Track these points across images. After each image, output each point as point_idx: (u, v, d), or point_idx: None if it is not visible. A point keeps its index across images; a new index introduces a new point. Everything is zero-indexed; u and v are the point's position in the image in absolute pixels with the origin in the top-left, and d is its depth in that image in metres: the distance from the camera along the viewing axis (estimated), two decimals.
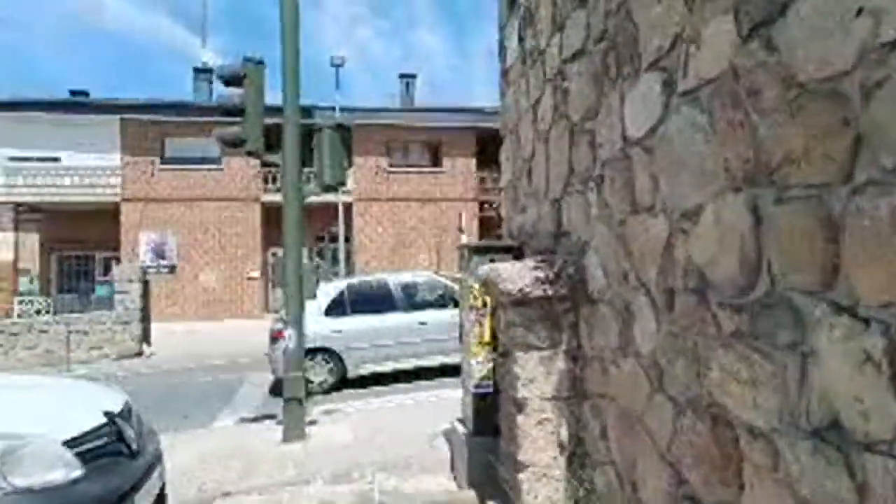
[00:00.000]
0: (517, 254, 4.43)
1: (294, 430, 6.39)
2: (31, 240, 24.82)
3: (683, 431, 2.38)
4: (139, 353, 16.37)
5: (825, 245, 1.63)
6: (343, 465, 5.38)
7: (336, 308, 10.43)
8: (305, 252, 21.98)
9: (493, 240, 16.53)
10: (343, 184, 7.21)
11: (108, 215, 24.34)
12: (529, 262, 3.63)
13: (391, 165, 26.92)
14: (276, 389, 10.39)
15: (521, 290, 3.44)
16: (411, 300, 10.73)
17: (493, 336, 4.34)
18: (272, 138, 6.70)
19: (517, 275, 3.49)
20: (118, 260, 22.30)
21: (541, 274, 3.46)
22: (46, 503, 2.77)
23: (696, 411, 2.28)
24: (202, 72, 26.61)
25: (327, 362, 10.06)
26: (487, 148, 25.59)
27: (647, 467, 2.72)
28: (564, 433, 3.46)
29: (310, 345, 9.92)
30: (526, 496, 3.45)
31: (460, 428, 4.75)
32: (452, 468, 4.96)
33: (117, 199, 24.31)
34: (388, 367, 10.23)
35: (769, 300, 1.86)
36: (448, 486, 4.73)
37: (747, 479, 1.98)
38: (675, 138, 2.39)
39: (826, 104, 1.62)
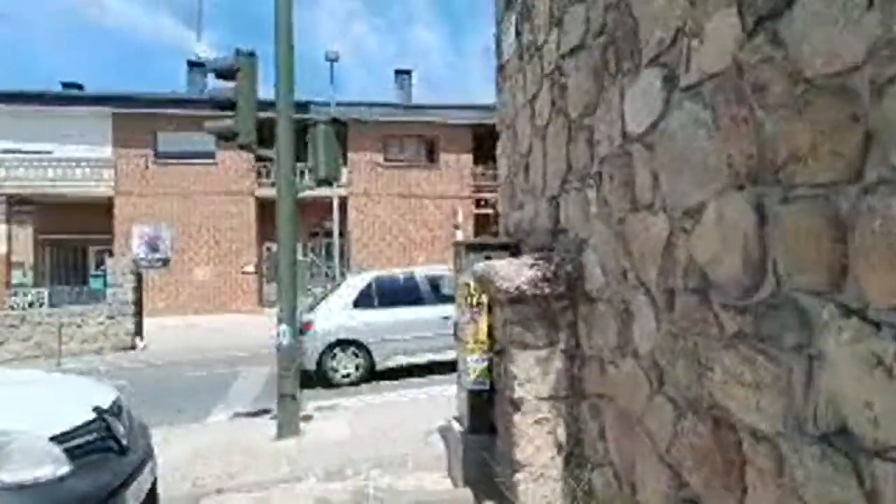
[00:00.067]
0: (514, 251, 4.38)
1: (288, 426, 6.35)
2: (25, 232, 24.67)
3: (684, 433, 2.34)
4: (132, 347, 16.30)
5: (833, 245, 1.59)
6: (337, 461, 5.33)
7: (364, 300, 10.47)
8: (300, 247, 21.96)
9: (488, 237, 16.50)
10: (337, 179, 7.16)
11: (101, 208, 24.23)
12: (526, 260, 3.59)
13: (386, 161, 26.83)
14: (301, 381, 10.45)
15: (517, 288, 3.39)
16: (438, 293, 10.71)
17: (489, 334, 4.29)
18: (265, 132, 6.63)
19: (514, 272, 3.44)
20: (111, 253, 22.17)
21: (538, 272, 3.41)
22: (33, 500, 2.71)
23: (698, 413, 2.24)
24: (196, 65, 26.41)
25: (356, 355, 10.12)
26: (484, 144, 25.54)
27: (646, 469, 2.68)
28: (562, 433, 3.42)
29: (339, 337, 10.08)
30: (522, 496, 3.41)
31: (456, 425, 4.71)
32: (448, 466, 4.92)
33: (111, 192, 24.19)
34: (417, 359, 10.24)
35: (774, 301, 1.81)
36: (443, 484, 4.69)
37: (750, 483, 1.94)
38: (676, 134, 2.35)
39: (834, 100, 1.57)
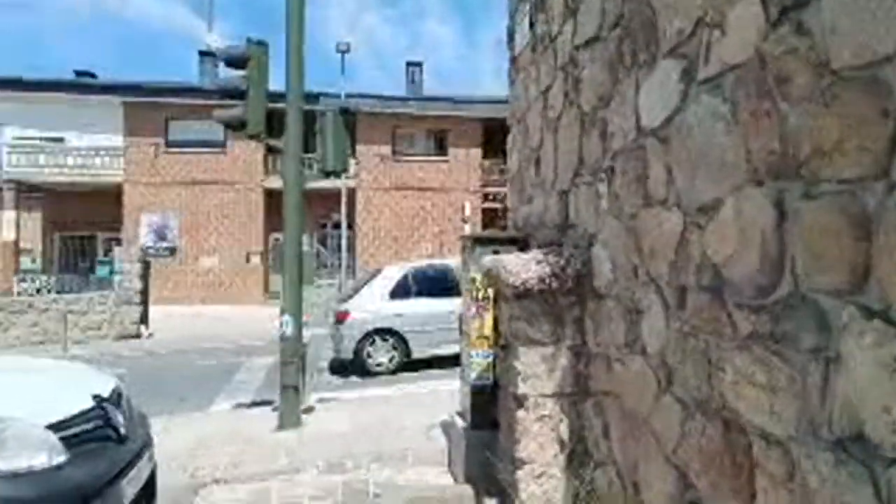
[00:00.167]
0: (522, 245, 4.32)
1: (290, 418, 6.31)
2: (34, 219, 24.75)
3: (692, 435, 2.28)
4: (137, 335, 16.34)
5: (856, 244, 1.53)
6: (337, 454, 5.29)
7: (400, 291, 10.62)
8: (307, 238, 21.92)
9: (496, 231, 16.42)
10: (345, 170, 7.10)
11: (110, 196, 24.26)
12: (534, 255, 3.53)
13: (395, 154, 26.75)
14: (336, 369, 10.68)
15: (524, 283, 3.34)
16: None
17: (495, 329, 4.24)
18: (275, 123, 6.58)
19: (521, 267, 3.38)
20: (119, 241, 22.22)
21: (546, 267, 3.35)
22: (28, 488, 2.67)
23: (707, 414, 2.18)
24: (207, 55, 26.37)
25: (393, 345, 10.31)
26: (494, 138, 25.43)
27: (650, 469, 2.63)
28: (565, 431, 3.36)
29: (376, 326, 10.22)
30: (524, 494, 3.36)
31: (458, 421, 4.65)
32: (449, 461, 4.87)
33: (120, 180, 24.22)
34: (452, 349, 10.25)
35: (792, 301, 1.75)
36: (444, 479, 4.64)
37: (760, 487, 1.88)
38: (693, 128, 2.28)
39: (863, 93, 1.51)
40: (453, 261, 11.70)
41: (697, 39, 2.26)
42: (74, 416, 3.00)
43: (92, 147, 24.07)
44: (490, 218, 26.16)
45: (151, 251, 22.94)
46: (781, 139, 1.80)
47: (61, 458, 2.79)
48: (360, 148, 25.66)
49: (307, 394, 6.98)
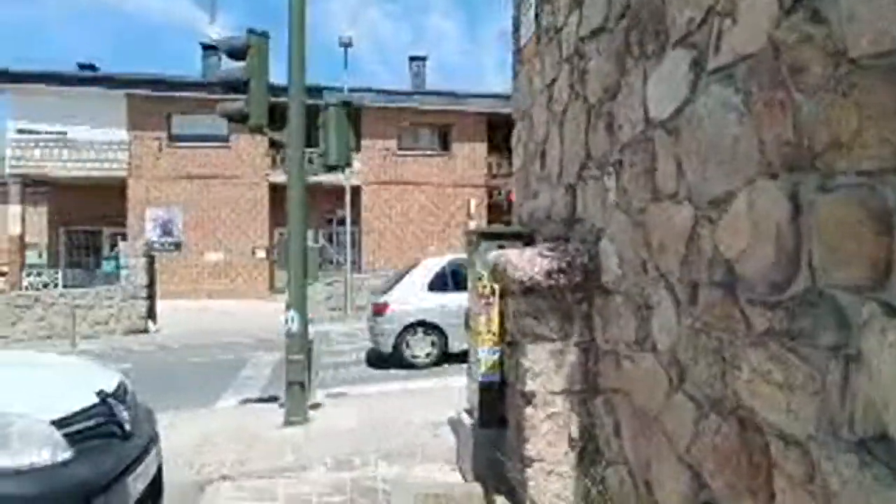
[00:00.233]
0: (527, 240, 4.27)
1: (296, 414, 6.29)
2: (39, 213, 24.80)
3: (706, 433, 2.23)
4: (144, 330, 16.37)
5: (876, 238, 1.47)
6: (345, 451, 5.27)
7: (438, 283, 10.58)
8: (311, 233, 21.92)
9: (502, 226, 16.37)
10: (349, 164, 7.05)
11: (115, 190, 24.27)
12: (541, 250, 3.48)
13: (400, 149, 26.68)
14: (373, 362, 10.76)
15: (531, 279, 3.29)
16: None
17: (501, 325, 4.19)
18: (278, 117, 6.54)
19: (527, 262, 3.33)
20: (125, 236, 22.25)
21: (553, 262, 3.31)
22: (32, 485, 2.65)
23: (721, 413, 2.13)
24: (211, 48, 26.31)
25: (431, 339, 10.31)
26: (498, 134, 25.38)
27: (663, 469, 2.58)
28: (575, 428, 3.32)
29: (416, 318, 10.25)
30: (533, 492, 3.32)
31: (466, 418, 4.62)
32: (458, 459, 4.84)
33: (124, 174, 24.21)
34: None
35: (809, 297, 1.70)
36: (452, 477, 4.61)
37: (778, 489, 1.83)
38: (703, 120, 2.22)
39: (883, 82, 1.45)
40: None
41: (708, 28, 2.20)
42: (79, 413, 2.97)
43: (96, 141, 24.04)
44: (495, 214, 26.10)
45: (157, 246, 22.96)
46: (796, 130, 1.74)
47: (66, 455, 2.77)
48: (364, 143, 25.59)
49: (314, 390, 6.95)
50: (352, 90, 22.79)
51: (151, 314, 17.01)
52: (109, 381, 3.45)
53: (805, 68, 1.70)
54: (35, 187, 24.27)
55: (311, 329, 6.83)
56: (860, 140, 1.51)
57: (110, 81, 24.45)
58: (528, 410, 3.33)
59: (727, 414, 2.10)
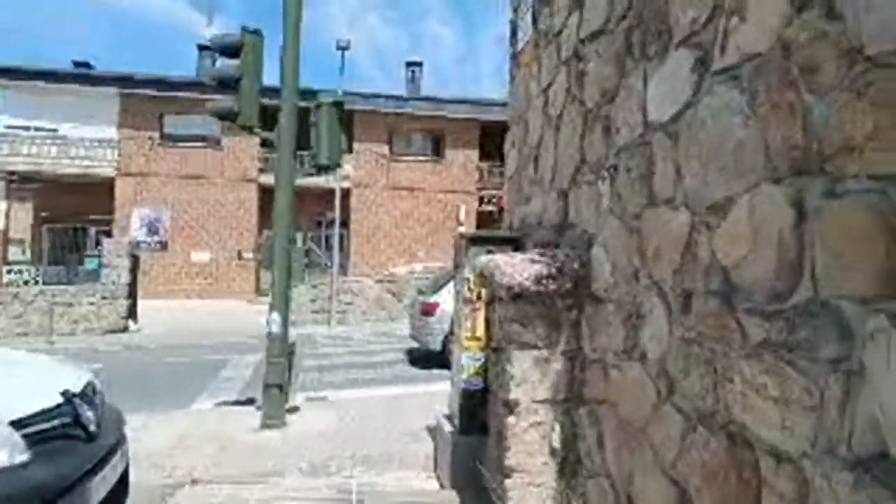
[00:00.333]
0: (517, 246, 4.18)
1: (273, 418, 6.14)
2: (25, 210, 24.46)
3: (693, 448, 2.14)
4: (125, 329, 16.12)
5: (887, 247, 1.39)
6: (321, 456, 5.13)
7: None
8: (300, 237, 21.73)
9: (491, 231, 16.33)
10: (339, 165, 6.94)
11: (103, 189, 24.00)
12: (531, 255, 3.39)
13: (392, 154, 26.61)
14: (416, 361, 10.68)
15: (519, 284, 3.20)
16: None
17: (487, 330, 4.09)
18: (271, 119, 6.45)
19: (517, 268, 3.24)
20: (111, 234, 21.97)
21: (542, 268, 3.21)
22: None
23: (710, 427, 2.04)
24: (206, 49, 26.16)
25: None
26: (491, 141, 25.33)
27: (647, 482, 2.49)
28: (557, 439, 3.22)
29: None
30: (512, 503, 3.22)
31: (446, 425, 4.50)
32: (435, 466, 4.72)
33: (113, 173, 23.96)
34: None
35: (810, 308, 1.62)
36: (430, 485, 4.49)
37: None
38: (706, 122, 2.14)
39: None
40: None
41: (713, 28, 2.13)
42: (40, 413, 2.83)
43: (86, 138, 23.79)
44: (486, 222, 26.05)
45: (143, 245, 22.73)
46: (805, 133, 1.66)
47: (23, 457, 2.63)
48: (357, 146, 25.51)
49: (293, 393, 6.81)
50: (347, 94, 22.72)
51: (132, 313, 16.77)
52: (77, 381, 3.31)
53: (817, 68, 1.62)
54: (21, 183, 23.93)
55: (293, 332, 6.70)
56: (875, 142, 1.43)
57: (103, 80, 24.25)
58: (510, 419, 3.23)
59: (717, 428, 2.01)
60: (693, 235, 2.22)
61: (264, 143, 21.04)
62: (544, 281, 3.19)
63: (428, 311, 10.59)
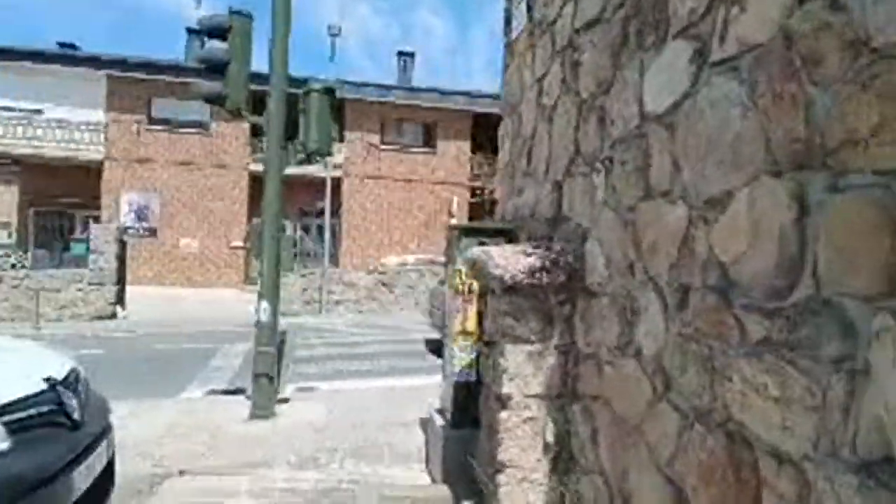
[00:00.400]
0: (510, 237, 4.13)
1: (263, 408, 6.09)
2: (10, 193, 24.20)
3: (690, 446, 2.11)
4: (113, 315, 16.01)
5: (892, 243, 1.35)
6: (311, 448, 5.09)
7: None
8: (290, 225, 21.60)
9: (484, 222, 16.28)
10: (329, 153, 6.85)
11: (91, 173, 23.79)
12: (524, 248, 3.34)
13: (383, 143, 26.48)
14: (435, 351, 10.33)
15: (512, 277, 3.15)
16: None
17: (479, 323, 4.05)
18: (261, 106, 6.38)
19: (510, 260, 3.19)
20: (98, 219, 21.77)
21: (536, 261, 3.17)
22: None
23: (708, 426, 2.01)
24: (195, 33, 25.87)
25: None
26: (483, 133, 25.28)
27: (642, 480, 2.45)
28: (550, 435, 3.18)
29: None
30: (504, 499, 3.18)
31: (437, 418, 4.47)
32: (427, 460, 4.69)
33: (100, 156, 23.72)
34: None
35: (812, 305, 1.58)
36: (421, 478, 4.46)
37: None
38: (704, 114, 2.10)
39: None
40: None
41: (712, 18, 2.08)
42: (21, 400, 2.77)
43: (72, 121, 23.52)
44: (478, 213, 26.00)
45: (131, 231, 22.55)
46: (807, 125, 1.62)
47: (2, 445, 2.57)
48: (347, 135, 25.37)
49: (283, 383, 6.76)
50: (337, 81, 22.55)
51: (121, 299, 16.64)
52: (60, 368, 3.25)
53: (821, 59, 1.58)
54: (7, 166, 23.66)
55: (284, 321, 6.65)
56: (880, 136, 1.39)
57: (90, 61, 23.97)
58: (503, 414, 3.19)
59: (714, 427, 1.98)
60: (690, 229, 2.17)
61: (255, 132, 20.90)
62: (538, 274, 3.14)
63: None
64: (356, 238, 25.81)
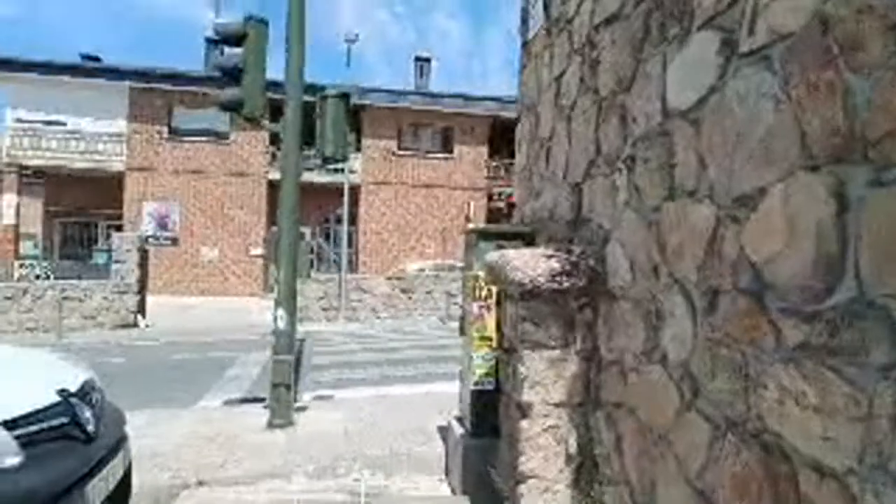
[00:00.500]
0: (529, 241, 4.04)
1: (281, 417, 6.03)
2: (36, 204, 24.52)
3: (722, 458, 2.00)
4: (134, 325, 16.10)
5: None
6: (329, 457, 5.02)
7: None
8: (308, 232, 21.62)
9: (501, 225, 16.18)
10: (345, 158, 6.81)
11: (113, 183, 24.05)
12: (543, 251, 3.25)
13: (401, 149, 26.49)
14: None
15: (532, 281, 3.05)
16: None
17: (498, 329, 3.95)
18: (279, 113, 6.36)
19: (529, 264, 3.10)
20: (121, 229, 21.98)
21: (556, 264, 3.07)
22: None
23: (741, 436, 1.90)
24: (214, 42, 26.05)
25: None
26: (500, 137, 25.21)
27: (670, 493, 2.34)
28: (573, 444, 3.08)
29: None
30: None
31: (456, 426, 4.37)
32: (446, 469, 4.59)
33: (122, 167, 23.98)
34: None
35: (855, 308, 1.47)
36: (440, 489, 4.37)
37: None
38: (732, 108, 1.99)
39: None
40: None
41: (740, 7, 1.97)
42: (34, 413, 2.72)
43: (95, 133, 23.82)
44: (495, 218, 25.92)
45: (152, 240, 22.73)
46: (846, 116, 1.51)
47: (15, 460, 2.52)
48: (365, 142, 25.41)
49: (301, 392, 6.70)
50: (353, 87, 22.59)
51: (142, 309, 16.74)
52: (74, 379, 3.20)
53: (861, 44, 1.47)
54: (31, 177, 23.99)
55: (302, 329, 6.59)
56: None
57: (112, 73, 24.26)
58: (524, 422, 3.09)
59: (749, 437, 1.87)
60: (719, 229, 2.07)
61: (273, 139, 20.98)
62: (558, 277, 3.04)
63: None
64: (374, 244, 25.81)
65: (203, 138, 24.70)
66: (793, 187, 1.70)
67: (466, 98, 26.92)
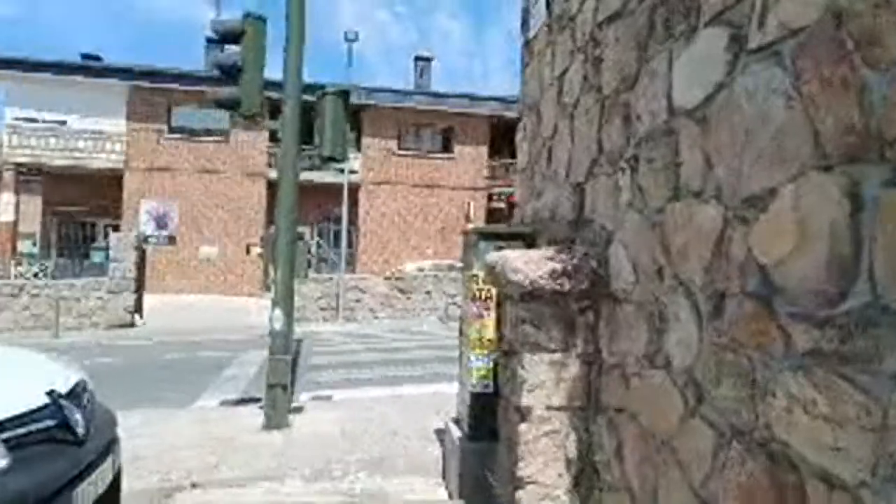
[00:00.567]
0: (529, 241, 3.98)
1: (276, 418, 5.98)
2: (34, 203, 24.44)
3: (727, 467, 1.94)
4: (131, 324, 16.04)
5: None
6: (325, 459, 4.96)
7: None
8: (307, 232, 21.54)
9: (501, 225, 16.11)
10: (345, 158, 6.75)
11: (111, 182, 23.98)
12: (544, 252, 3.19)
13: (401, 149, 26.43)
14: None
15: (532, 283, 2.99)
16: None
17: (497, 331, 3.89)
18: (275, 111, 6.30)
19: (530, 265, 3.04)
20: (119, 227, 21.91)
21: (557, 265, 3.01)
22: None
23: (747, 445, 1.84)
24: (213, 41, 26.00)
25: None
26: (500, 137, 25.16)
27: (673, 501, 2.28)
28: (573, 449, 3.02)
29: None
30: None
31: (454, 429, 4.31)
32: (443, 472, 4.53)
33: (121, 165, 23.91)
34: None
35: (869, 313, 1.41)
36: (437, 492, 4.31)
37: None
38: (741, 106, 1.93)
39: None
40: None
41: (749, 2, 1.92)
42: (22, 415, 2.65)
43: (94, 131, 23.76)
44: (495, 218, 25.88)
45: (151, 239, 22.67)
46: (861, 114, 1.45)
47: (1, 463, 2.46)
48: (364, 141, 25.36)
49: (297, 393, 6.64)
50: (353, 87, 22.53)
51: (139, 308, 16.68)
52: (64, 380, 3.13)
53: (877, 39, 1.41)
54: (30, 175, 23.92)
55: (299, 329, 6.53)
56: None
57: (111, 72, 24.21)
58: (523, 426, 3.04)
59: (755, 446, 1.81)
60: (726, 231, 2.01)
61: (273, 138, 20.93)
62: (559, 279, 2.98)
63: None
64: (374, 244, 25.75)
65: (203, 137, 24.64)
66: (804, 187, 1.64)
67: (466, 97, 26.87)
